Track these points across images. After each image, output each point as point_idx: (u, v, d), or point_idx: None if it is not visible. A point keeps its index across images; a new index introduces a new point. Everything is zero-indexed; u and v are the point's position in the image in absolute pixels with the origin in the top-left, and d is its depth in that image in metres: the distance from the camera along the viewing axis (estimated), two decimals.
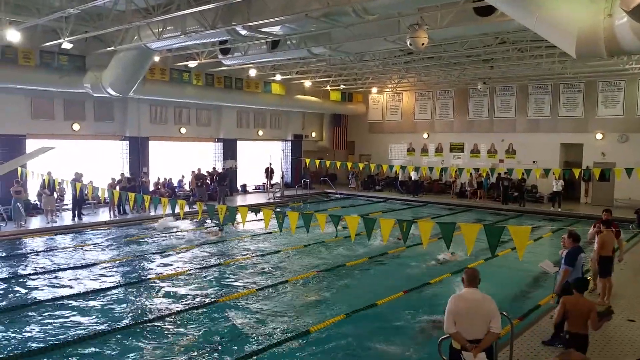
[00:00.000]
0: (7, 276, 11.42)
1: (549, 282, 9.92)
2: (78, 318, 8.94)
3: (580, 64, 18.82)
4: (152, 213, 18.48)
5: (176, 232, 16.94)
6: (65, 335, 8.12)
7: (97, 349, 7.64)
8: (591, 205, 22.38)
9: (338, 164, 24.55)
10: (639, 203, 18.55)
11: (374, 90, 29.49)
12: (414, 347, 7.83)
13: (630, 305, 9.12)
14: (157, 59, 18.07)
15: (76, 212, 17.80)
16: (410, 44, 11.63)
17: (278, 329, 8.51)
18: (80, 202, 17.92)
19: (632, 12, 5.71)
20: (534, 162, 23.75)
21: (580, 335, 5.95)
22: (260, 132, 27.75)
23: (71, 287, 10.69)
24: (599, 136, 23.15)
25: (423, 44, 11.56)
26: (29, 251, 13.95)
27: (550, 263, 8.72)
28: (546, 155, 23.92)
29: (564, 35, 8.35)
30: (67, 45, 15.18)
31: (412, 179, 26.24)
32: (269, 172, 26.59)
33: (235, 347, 7.79)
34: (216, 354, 7.57)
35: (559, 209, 21.26)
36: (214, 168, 24.71)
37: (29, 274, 11.62)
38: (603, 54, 8.05)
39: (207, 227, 17.51)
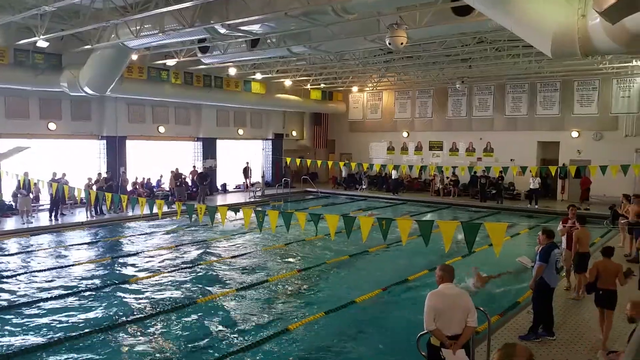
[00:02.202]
0: None
1: (527, 279, 10.08)
2: (53, 321, 8.79)
3: (556, 63, 19.14)
4: (130, 213, 18.29)
5: (155, 232, 16.80)
6: (40, 338, 7.99)
7: (73, 352, 7.53)
8: (568, 202, 22.77)
9: (319, 162, 24.55)
10: (613, 199, 18.90)
11: (354, 89, 29.59)
12: (392, 343, 7.89)
13: None
14: (134, 57, 17.86)
15: (53, 213, 17.53)
16: (390, 44, 11.69)
17: (257, 328, 8.49)
18: (58, 203, 17.65)
19: (604, 13, 5.83)
20: (511, 160, 24.10)
21: (610, 290, 7.18)
22: (241, 131, 27.63)
23: (46, 289, 10.51)
24: (574, 134, 23.58)
25: (402, 43, 11.63)
26: (3, 253, 13.66)
27: (528, 258, 8.86)
28: (523, 153, 24.28)
29: (539, 35, 8.49)
30: (42, 44, 14.91)
31: (393, 177, 26.42)
32: (247, 172, 26.49)
33: (215, 347, 7.76)
34: (196, 354, 7.53)
35: (536, 206, 21.60)
36: (194, 167, 24.53)
37: (3, 276, 11.39)
38: (577, 53, 8.20)
39: None
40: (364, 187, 27.89)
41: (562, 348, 7.18)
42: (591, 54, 8.46)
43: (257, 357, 7.37)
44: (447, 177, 25.51)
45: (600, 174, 16.95)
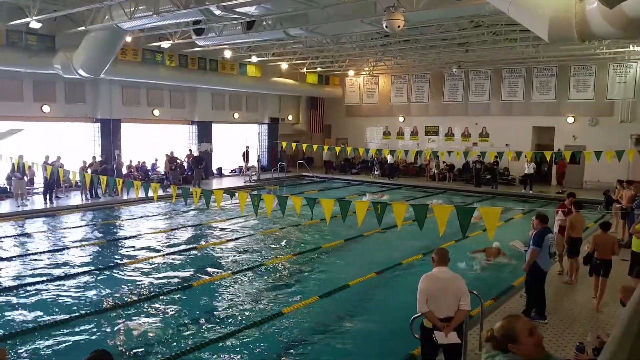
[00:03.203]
0: None
1: (521, 263, 10.15)
2: (49, 303, 8.82)
3: (553, 47, 19.07)
4: (125, 197, 18.24)
5: (150, 216, 16.80)
6: (35, 321, 8.01)
7: (68, 334, 7.57)
8: (562, 188, 22.88)
9: (314, 147, 24.49)
10: (607, 185, 19.01)
11: (351, 73, 29.42)
12: (386, 326, 7.95)
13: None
14: (129, 39, 17.67)
15: (48, 196, 17.48)
16: (387, 27, 11.60)
17: (252, 311, 8.54)
18: (52, 186, 17.58)
19: None
20: (506, 145, 24.10)
21: (606, 260, 8.20)
22: (236, 115, 27.49)
23: (41, 272, 10.52)
24: (570, 120, 23.59)
25: (399, 27, 11.54)
26: None
27: (521, 243, 8.94)
28: (519, 138, 24.30)
29: (537, 19, 8.45)
30: (35, 25, 14.74)
31: (388, 162, 26.43)
32: (246, 156, 26.45)
33: (209, 329, 7.80)
34: (191, 336, 7.58)
35: (530, 191, 21.68)
36: (191, 150, 24.38)
37: None
38: (574, 38, 8.18)
39: None
40: (376, 172, 27.30)
41: (554, 331, 7.26)
42: (588, 38, 8.44)
43: (252, 340, 7.42)
44: (444, 162, 25.53)
45: (595, 160, 16.99)
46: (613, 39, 15.25)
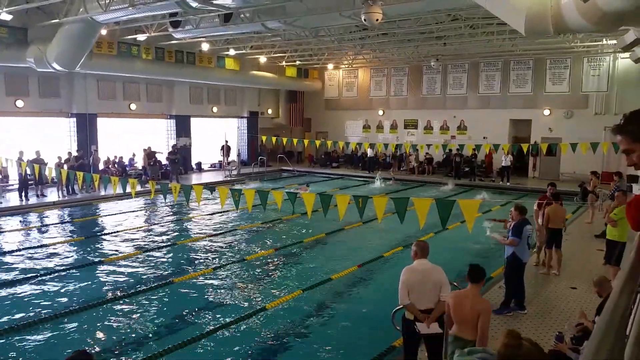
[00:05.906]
0: None
1: (500, 255, 10.29)
2: (26, 302, 8.65)
3: (529, 41, 19.29)
4: (103, 193, 17.99)
5: (128, 212, 16.58)
6: (12, 320, 7.85)
7: (46, 333, 7.44)
8: (539, 179, 23.26)
9: (295, 141, 24.44)
10: (583, 176, 19.35)
11: (330, 66, 29.36)
12: (368, 318, 8.00)
13: (573, 273, 9.59)
14: (104, 31, 17.35)
15: (22, 194, 17.11)
16: (365, 20, 11.61)
17: (234, 307, 8.50)
18: (27, 183, 17.20)
19: None
20: (484, 137, 24.37)
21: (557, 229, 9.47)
22: (215, 109, 27.24)
23: (18, 271, 10.31)
24: (546, 112, 23.94)
25: (377, 20, 11.56)
26: None
27: (499, 234, 9.03)
28: (496, 131, 24.56)
29: (514, 13, 8.54)
30: (5, 17, 14.37)
31: (368, 155, 26.53)
32: (225, 150, 26.23)
33: (191, 326, 7.75)
34: (172, 333, 7.51)
35: (508, 183, 21.99)
36: (174, 146, 23.98)
37: None
38: (550, 31, 8.28)
39: None
40: (403, 168, 26.78)
41: (533, 321, 7.38)
42: (563, 32, 8.56)
43: (234, 336, 7.39)
44: (427, 153, 25.67)
45: (571, 151, 17.28)
46: (587, 33, 15.50)
